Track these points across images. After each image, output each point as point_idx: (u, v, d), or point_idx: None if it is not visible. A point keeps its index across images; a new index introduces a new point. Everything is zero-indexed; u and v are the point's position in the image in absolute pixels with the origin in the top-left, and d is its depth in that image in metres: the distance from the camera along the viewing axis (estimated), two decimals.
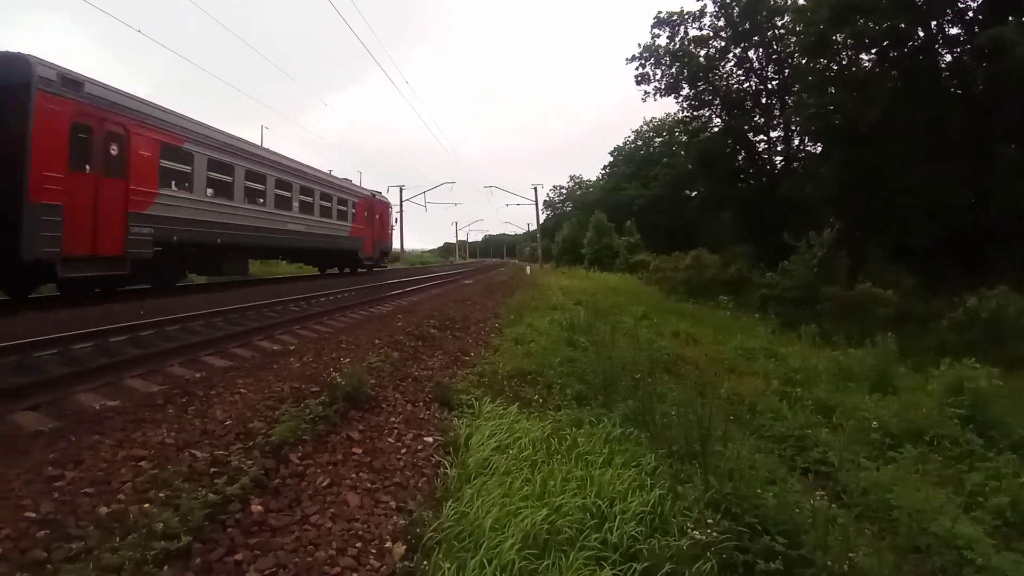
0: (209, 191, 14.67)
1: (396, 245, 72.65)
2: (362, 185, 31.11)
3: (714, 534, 3.90)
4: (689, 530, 3.95)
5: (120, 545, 2.82)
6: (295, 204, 19.51)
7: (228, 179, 15.49)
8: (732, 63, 38.61)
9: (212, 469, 3.64)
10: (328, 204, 22.47)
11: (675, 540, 3.85)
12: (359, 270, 27.56)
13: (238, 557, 3.05)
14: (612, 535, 3.83)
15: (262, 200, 17.40)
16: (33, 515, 3.06)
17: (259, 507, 3.46)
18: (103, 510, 3.14)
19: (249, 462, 3.76)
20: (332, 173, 26.57)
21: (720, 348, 15.18)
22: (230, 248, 15.72)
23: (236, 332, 8.19)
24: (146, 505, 3.15)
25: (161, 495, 3.26)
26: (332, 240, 22.88)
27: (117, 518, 3.07)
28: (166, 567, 2.79)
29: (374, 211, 28.45)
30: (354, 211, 25.32)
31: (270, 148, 20.98)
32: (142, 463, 3.67)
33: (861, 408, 9.86)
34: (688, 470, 5.05)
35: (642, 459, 5.05)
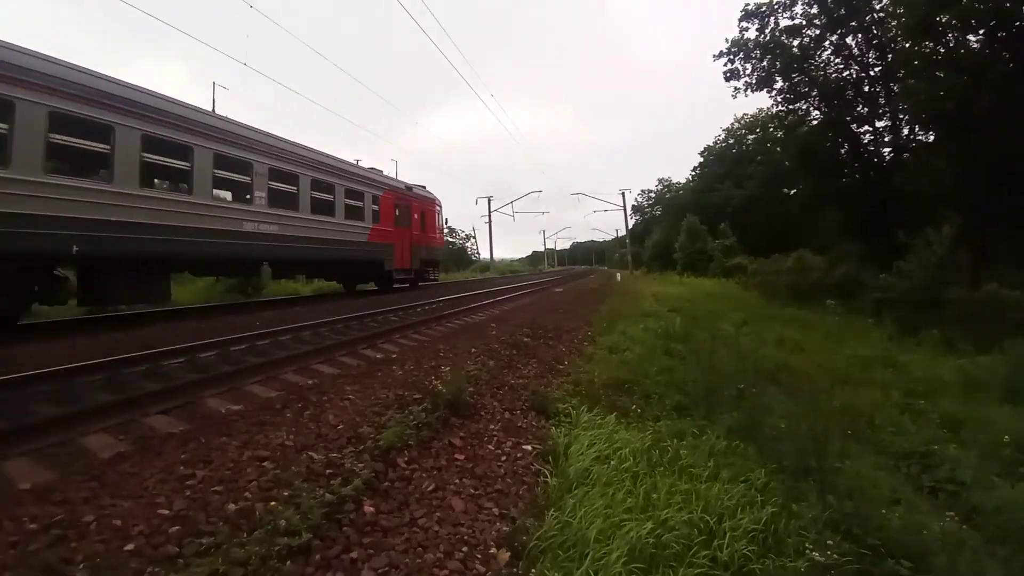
0: (51, 165, 9.37)
1: (484, 254, 74.50)
2: (397, 177, 24.57)
3: (834, 556, 3.70)
4: (807, 551, 3.77)
5: (247, 540, 2.99)
6: (259, 195, 13.51)
7: (101, 148, 9.87)
8: (829, 51, 35.94)
9: (328, 470, 3.83)
10: (327, 197, 16.49)
11: (791, 561, 3.69)
12: (395, 286, 21.08)
13: (354, 555, 3.18)
14: (722, 552, 3.70)
15: (185, 186, 11.82)
16: (166, 512, 3.30)
17: (371, 508, 3.60)
18: (231, 507, 3.36)
19: (360, 465, 3.93)
20: (360, 162, 20.70)
21: (830, 357, 14.23)
22: (110, 261, 10.23)
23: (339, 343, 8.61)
24: (272, 503, 3.35)
25: (284, 494, 3.46)
26: (335, 247, 16.71)
27: (244, 515, 3.27)
28: (289, 562, 2.95)
29: (411, 209, 21.85)
30: (376, 208, 19.13)
31: (231, 118, 13.80)
32: (265, 463, 3.93)
33: (992, 421, 8.95)
34: (802, 487, 4.79)
35: (751, 474, 4.86)
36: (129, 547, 2.95)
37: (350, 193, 17.71)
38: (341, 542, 3.25)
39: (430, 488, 4.06)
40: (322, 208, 16.30)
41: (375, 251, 19.03)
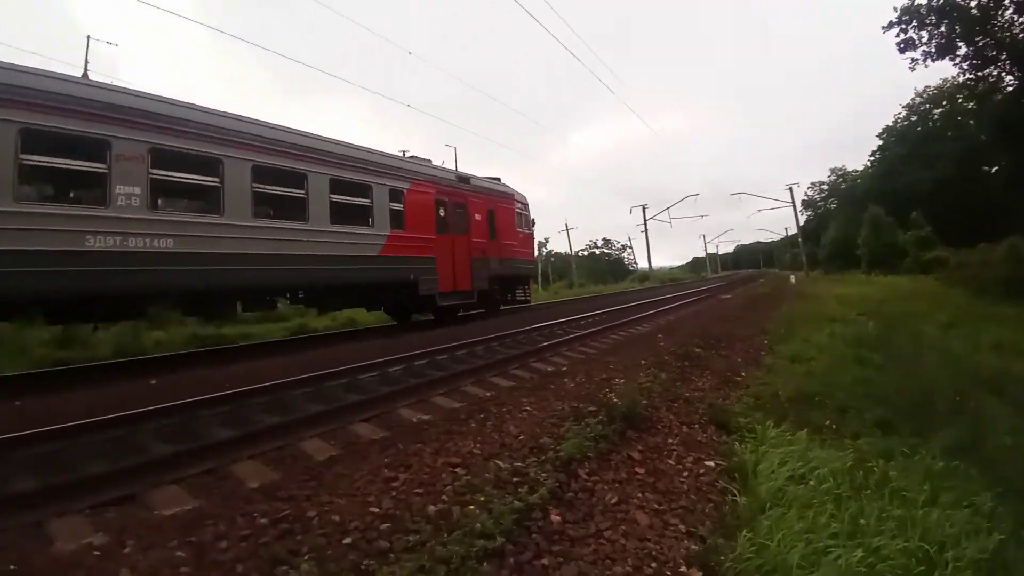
0: None
1: (643, 263, 73.09)
2: (451, 167, 18.03)
3: None
4: None
5: (447, 540, 3.19)
6: (126, 192, 8.67)
7: None
8: (1011, 10, 30.50)
9: (514, 479, 3.99)
10: (292, 192, 11.31)
11: None
12: (460, 314, 16.47)
13: (544, 562, 3.26)
14: None
15: None
16: (376, 510, 3.60)
17: (557, 517, 3.67)
18: (431, 509, 3.61)
19: (544, 475, 4.04)
20: (408, 154, 15.56)
21: None
22: None
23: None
24: (468, 507, 3.55)
25: (480, 499, 3.66)
26: (310, 266, 11.33)
27: (443, 516, 3.50)
28: (485, 564, 3.09)
29: (468, 208, 16.23)
30: (397, 207, 13.64)
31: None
32: (457, 469, 4.18)
33: None
34: None
35: (975, 498, 4.27)
36: (347, 541, 3.25)
37: (339, 186, 12.20)
38: (532, 548, 3.35)
39: (613, 501, 4.06)
40: (279, 209, 11.36)
41: (398, 269, 13.41)
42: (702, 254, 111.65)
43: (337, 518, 3.50)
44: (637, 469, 4.67)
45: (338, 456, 4.73)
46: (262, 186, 10.67)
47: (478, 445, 4.69)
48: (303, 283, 11.60)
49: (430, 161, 16.25)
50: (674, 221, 61.66)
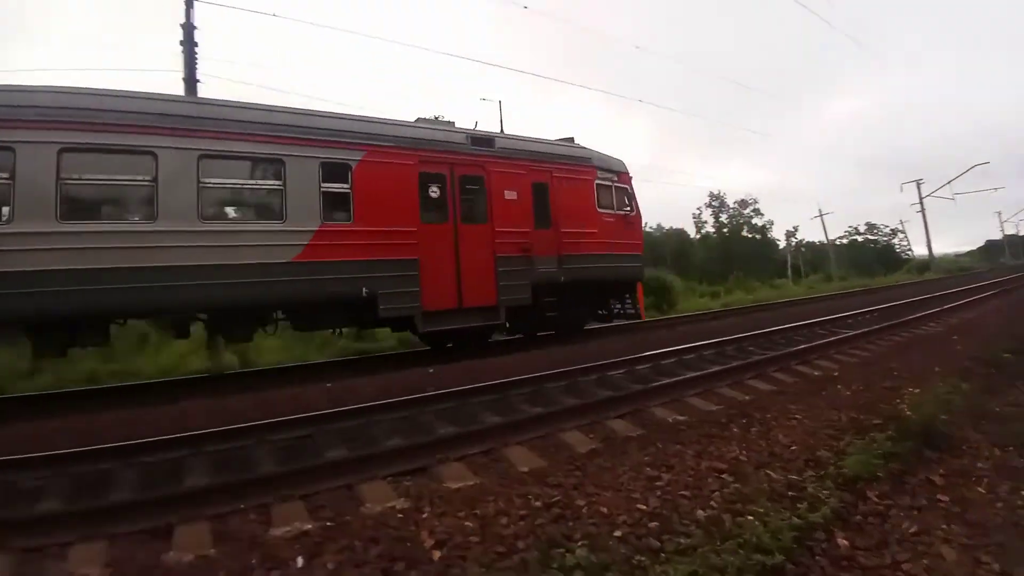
0: None
1: (920, 250, 61.79)
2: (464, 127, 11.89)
3: None
4: None
5: (720, 549, 3.11)
6: None
7: None
8: None
9: (789, 492, 3.75)
10: (136, 180, 8.06)
11: None
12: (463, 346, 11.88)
13: None
14: None
15: None
16: (643, 507, 3.67)
17: (844, 541, 3.36)
18: (700, 513, 3.57)
19: (825, 492, 3.73)
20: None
21: None
22: None
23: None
24: (745, 517, 3.43)
25: (755, 509, 3.51)
26: (156, 283, 7.83)
27: (714, 523, 3.43)
28: None
29: (492, 184, 11.25)
30: (336, 189, 9.46)
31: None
32: (724, 476, 4.07)
33: None
34: None
35: None
36: (616, 533, 3.36)
37: (219, 165, 8.74)
38: (816, 571, 3.11)
39: (912, 530, 3.57)
40: (105, 206, 8.29)
41: (334, 280, 9.26)
42: (998, 236, 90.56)
43: (605, 510, 3.65)
44: (939, 496, 4.05)
45: (598, 449, 4.92)
46: (77, 177, 7.76)
47: (743, 452, 4.51)
48: (146, 307, 8.29)
49: (453, 123, 12.26)
50: (958, 197, 50.52)
